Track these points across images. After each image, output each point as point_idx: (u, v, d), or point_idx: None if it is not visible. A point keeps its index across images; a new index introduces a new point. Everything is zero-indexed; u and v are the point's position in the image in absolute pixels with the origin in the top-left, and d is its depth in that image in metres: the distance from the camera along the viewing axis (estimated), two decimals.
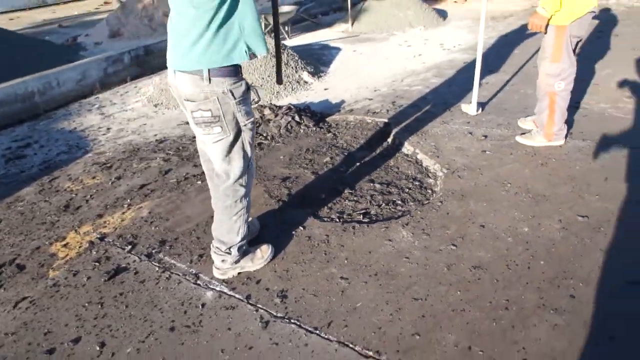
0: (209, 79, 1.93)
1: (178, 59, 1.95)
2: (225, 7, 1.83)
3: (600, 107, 4.16)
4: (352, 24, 8.13)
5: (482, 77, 4.86)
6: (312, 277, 2.37)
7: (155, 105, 5.23)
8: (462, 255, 2.44)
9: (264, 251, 2.47)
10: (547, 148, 3.48)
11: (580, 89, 4.47)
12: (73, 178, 3.66)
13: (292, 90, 5.31)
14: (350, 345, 1.97)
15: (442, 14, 8.68)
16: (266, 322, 2.13)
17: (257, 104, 3.85)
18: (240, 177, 2.18)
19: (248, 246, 2.46)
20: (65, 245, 2.82)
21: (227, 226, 2.28)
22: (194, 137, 4.13)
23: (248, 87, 2.07)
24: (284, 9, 7.63)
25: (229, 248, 2.31)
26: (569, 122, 3.74)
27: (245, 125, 2.08)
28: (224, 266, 2.36)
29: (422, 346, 1.94)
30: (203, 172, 3.29)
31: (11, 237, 2.97)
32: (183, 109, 2.15)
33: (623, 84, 4.63)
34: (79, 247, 2.78)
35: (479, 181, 3.10)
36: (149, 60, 6.69)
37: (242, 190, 2.22)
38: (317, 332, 2.05)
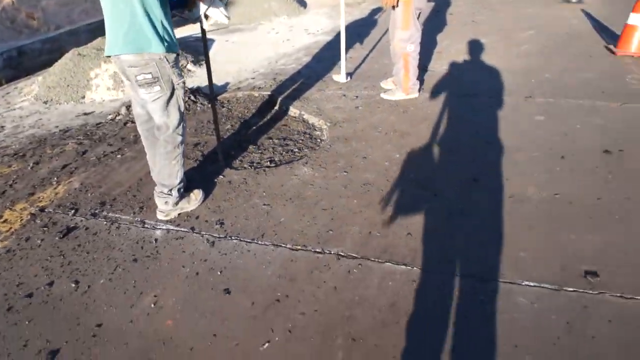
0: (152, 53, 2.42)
1: (118, 39, 2.41)
2: None
3: (442, 68, 5.20)
4: (227, 11, 8.58)
5: (346, 52, 5.68)
6: (240, 208, 2.94)
7: (45, 102, 5.30)
8: (352, 178, 3.18)
9: (197, 194, 2.99)
10: (406, 101, 4.38)
11: (427, 56, 5.51)
12: None
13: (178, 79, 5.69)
14: (282, 245, 2.60)
15: (302, 4, 9.48)
16: (212, 242, 2.67)
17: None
18: (177, 126, 2.68)
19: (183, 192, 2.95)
20: (5, 222, 3.05)
21: (168, 170, 2.76)
22: (98, 123, 4.43)
23: (178, 55, 2.58)
24: None
25: (170, 190, 2.80)
26: (421, 81, 4.69)
27: (178, 84, 2.59)
28: (166, 208, 2.84)
29: (336, 237, 2.64)
30: (119, 149, 3.69)
31: None
32: (124, 78, 2.59)
33: (458, 50, 5.76)
34: (20, 220, 3.04)
35: (357, 128, 3.88)
36: (23, 62, 6.59)
37: (179, 138, 2.72)
38: (255, 241, 2.65)
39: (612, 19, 6.73)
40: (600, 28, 6.53)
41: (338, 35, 6.71)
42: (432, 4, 8.41)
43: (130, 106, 4.71)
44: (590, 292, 2.15)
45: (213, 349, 2.00)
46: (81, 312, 2.25)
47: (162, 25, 2.41)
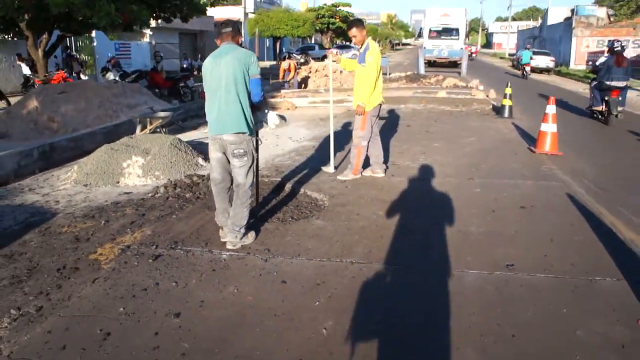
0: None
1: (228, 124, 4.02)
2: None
3: (405, 163, 7.03)
4: None
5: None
6: (279, 242, 4.39)
7: (85, 185, 6.65)
8: (352, 225, 4.72)
9: (252, 234, 4.44)
10: (382, 181, 6.07)
11: (394, 154, 7.38)
12: (65, 225, 5.06)
13: (194, 170, 7.23)
14: (314, 259, 4.03)
15: (283, 118, 11.50)
16: (265, 259, 4.08)
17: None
18: (251, 185, 4.21)
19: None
20: (101, 254, 4.34)
21: (241, 214, 4.23)
22: (142, 198, 5.82)
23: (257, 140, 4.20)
24: (160, 114, 9.60)
25: (240, 228, 4.26)
26: (390, 171, 6.44)
27: (255, 157, 4.17)
28: (235, 240, 4.27)
29: (347, 254, 4.10)
30: (172, 212, 5.11)
31: (46, 258, 4.32)
32: (218, 152, 4.15)
33: (417, 151, 7.66)
34: (114, 253, 4.34)
35: (349, 198, 5.50)
36: (53, 156, 7.99)
37: (250, 193, 4.25)
38: (294, 258, 4.07)
39: (534, 128, 8.92)
40: (525, 135, 8.71)
41: (318, 141, 8.57)
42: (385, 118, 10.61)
43: (167, 185, 6.15)
44: (509, 273, 3.69)
45: (284, 307, 3.36)
46: (186, 297, 3.56)
47: (251, 117, 4.06)
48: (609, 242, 4.35)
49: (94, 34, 17.48)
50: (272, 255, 4.15)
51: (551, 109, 7.77)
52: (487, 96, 14.50)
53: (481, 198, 5.48)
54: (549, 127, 7.67)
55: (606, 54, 11.71)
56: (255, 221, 4.88)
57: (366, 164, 6.40)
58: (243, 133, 4.10)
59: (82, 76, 17.31)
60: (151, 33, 19.72)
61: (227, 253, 4.22)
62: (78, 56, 19.28)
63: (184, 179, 6.39)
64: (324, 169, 6.81)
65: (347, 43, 41.90)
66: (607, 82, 10.40)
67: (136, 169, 6.90)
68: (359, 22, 6.25)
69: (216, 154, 4.28)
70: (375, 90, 5.97)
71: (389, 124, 10.44)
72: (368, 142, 6.13)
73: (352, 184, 6.11)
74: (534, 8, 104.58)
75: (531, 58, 28.24)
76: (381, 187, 5.94)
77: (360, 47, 6.09)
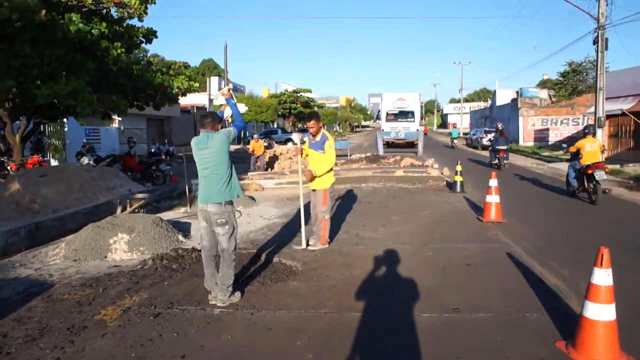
0: (226, 205, 4.94)
1: (211, 195, 4.92)
2: (228, 172, 4.97)
3: (367, 234, 7.99)
4: (190, 206, 11.22)
5: (299, 228, 8.36)
6: (262, 300, 5.17)
7: (75, 260, 7.28)
8: (323, 285, 5.56)
9: (238, 294, 5.23)
10: (349, 248, 6.97)
11: (358, 227, 8.32)
12: (65, 293, 5.69)
13: (176, 245, 7.98)
14: (293, 312, 4.83)
15: (253, 199, 12.43)
16: (251, 313, 4.85)
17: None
18: (234, 250, 5.06)
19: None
20: (105, 315, 5.01)
21: (228, 275, 5.04)
22: (132, 270, 6.51)
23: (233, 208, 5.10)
24: (139, 195, 10.40)
25: (228, 287, 5.05)
26: (354, 241, 7.37)
27: (235, 225, 5.05)
28: (224, 298, 5.04)
29: (321, 306, 4.92)
30: (162, 280, 5.85)
31: (53, 320, 4.96)
32: (204, 222, 5.02)
33: (378, 223, 8.66)
34: (117, 314, 5.01)
35: (319, 264, 6.39)
36: (38, 234, 8.60)
37: (234, 256, 5.08)
38: (278, 310, 4.86)
39: (483, 201, 10.12)
40: (475, 207, 9.90)
41: (287, 218, 9.50)
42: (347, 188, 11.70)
43: (154, 258, 6.88)
44: (454, 314, 4.58)
45: (271, 347, 4.13)
46: (188, 343, 4.27)
47: (234, 185, 4.99)
48: (537, 288, 5.35)
49: (65, 119, 18.34)
50: (257, 310, 4.93)
51: (493, 182, 9.01)
52: (442, 173, 15.90)
53: (434, 259, 6.45)
54: (493, 198, 8.87)
55: (495, 132, 22.34)
56: (239, 285, 5.66)
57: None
58: (224, 203, 5.01)
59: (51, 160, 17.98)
60: (120, 119, 20.75)
61: (218, 310, 4.98)
62: (47, 141, 20.06)
63: (169, 252, 7.14)
64: (295, 246, 7.57)
65: (321, 125, 44.02)
66: (496, 147, 20.18)
67: (122, 244, 7.60)
68: (317, 116, 7.51)
69: (203, 223, 5.17)
70: (331, 172, 7.24)
71: (352, 201, 11.53)
72: (329, 215, 7.12)
73: (321, 252, 7.00)
74: (484, 90, 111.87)
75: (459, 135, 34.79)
76: (347, 254, 6.84)
77: (316, 136, 7.22)
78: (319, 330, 4.43)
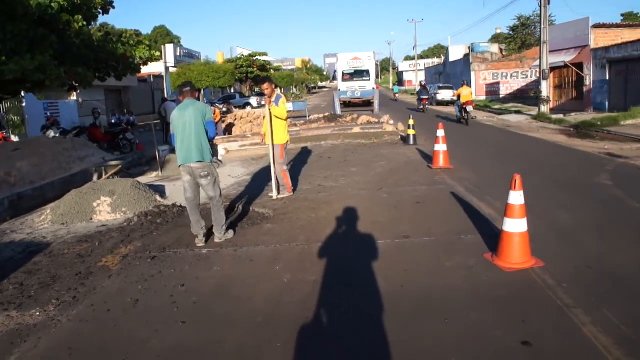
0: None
1: (193, 154, 5.73)
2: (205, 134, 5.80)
3: (329, 184, 8.93)
4: (161, 171, 11.88)
5: (265, 183, 9.19)
6: (245, 238, 6.06)
7: (63, 224, 7.95)
8: (294, 225, 6.49)
9: (231, 231, 6.14)
10: (313, 195, 7.90)
11: (320, 179, 9.26)
12: (64, 249, 6.42)
13: (155, 204, 8.72)
14: (271, 245, 5.74)
15: (220, 161, 13.16)
16: (234, 250, 5.73)
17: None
18: (220, 195, 5.91)
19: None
20: (107, 262, 5.80)
21: (220, 217, 5.93)
22: (119, 227, 7.26)
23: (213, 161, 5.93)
24: (113, 163, 10.99)
25: (222, 226, 5.94)
26: (318, 190, 8.29)
27: (216, 175, 5.89)
28: (220, 235, 5.96)
29: (293, 240, 5.86)
30: (151, 232, 6.66)
31: (61, 270, 5.71)
32: (188, 176, 5.83)
33: (338, 175, 9.61)
34: (117, 260, 5.81)
35: (288, 209, 7.30)
36: (20, 204, 9.17)
37: (221, 201, 5.95)
38: (258, 245, 5.76)
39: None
40: (426, 157, 10.98)
41: (255, 176, 10.33)
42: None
43: (139, 215, 7.63)
44: (404, 239, 5.60)
45: (255, 272, 5.04)
46: (184, 276, 5.14)
47: (209, 147, 5.80)
48: (474, 217, 6.44)
49: (22, 94, 18.37)
50: (239, 247, 5.83)
51: (440, 132, 10.05)
52: (397, 129, 16.93)
53: (387, 200, 7.46)
54: (441, 147, 9.92)
55: (420, 87, 32.95)
56: (230, 225, 6.52)
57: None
58: (204, 161, 5.84)
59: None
60: (78, 91, 20.78)
61: (206, 250, 5.85)
62: (5, 117, 20.00)
63: (152, 209, 7.90)
64: (270, 195, 8.50)
65: (274, 87, 44.37)
66: (421, 96, 30.47)
67: (105, 207, 8.30)
68: (269, 79, 8.31)
69: (187, 177, 5.97)
70: (285, 129, 8.14)
71: (314, 157, 12.43)
72: (287, 166, 8.05)
73: (288, 200, 7.91)
74: (439, 46, 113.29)
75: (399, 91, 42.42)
76: (312, 200, 7.77)
77: (272, 97, 8.04)
78: (292, 259, 5.37)
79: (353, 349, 3.54)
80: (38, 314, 4.56)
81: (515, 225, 4.79)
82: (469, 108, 19.85)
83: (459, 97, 20.53)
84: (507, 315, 3.83)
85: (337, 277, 4.82)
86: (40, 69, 10.33)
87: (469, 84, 24.80)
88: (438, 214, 6.69)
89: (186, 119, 5.95)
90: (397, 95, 52.19)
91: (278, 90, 8.21)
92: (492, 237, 5.54)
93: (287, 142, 8.33)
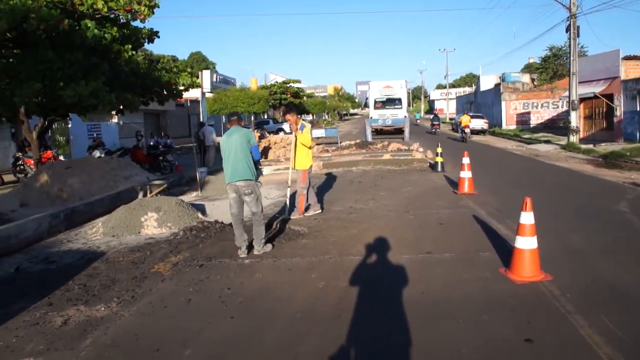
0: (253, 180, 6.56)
1: (239, 173, 6.52)
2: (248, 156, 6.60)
3: (359, 206, 9.61)
4: (201, 191, 12.75)
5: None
6: (283, 251, 6.76)
7: (113, 236, 8.79)
8: (327, 240, 7.16)
9: (269, 245, 6.86)
10: (345, 216, 8.58)
11: (352, 201, 9.93)
12: (119, 257, 7.22)
13: (197, 221, 9.52)
14: (309, 257, 6.43)
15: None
16: (274, 261, 6.44)
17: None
18: (262, 212, 6.67)
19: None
20: (158, 269, 6.56)
21: (260, 231, 6.67)
22: (166, 240, 8.05)
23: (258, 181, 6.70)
24: (157, 182, 11.89)
25: (261, 239, 6.67)
26: (348, 212, 8.98)
27: (260, 194, 6.66)
28: (259, 248, 6.68)
29: (329, 252, 6.54)
30: (196, 244, 7.45)
31: (118, 274, 6.48)
32: (234, 193, 6.62)
33: (368, 198, 10.29)
34: (168, 267, 6.57)
35: (322, 227, 7.98)
36: (73, 218, 10.09)
37: (262, 217, 6.71)
38: (297, 257, 6.46)
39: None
40: (452, 183, 11.57)
41: (287, 198, 11.05)
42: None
43: (185, 230, 8.42)
44: (427, 255, 6.22)
45: (293, 279, 5.72)
46: (230, 281, 5.85)
47: (254, 167, 6.57)
48: (492, 237, 7.03)
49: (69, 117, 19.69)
50: (278, 258, 6.53)
51: (466, 160, 10.67)
52: (425, 156, 17.56)
53: (413, 221, 8.09)
54: (466, 174, 10.53)
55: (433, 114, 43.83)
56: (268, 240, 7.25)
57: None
58: (249, 180, 6.62)
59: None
60: (120, 115, 22.11)
61: (248, 260, 6.57)
62: (51, 137, 21.42)
63: (197, 224, 8.70)
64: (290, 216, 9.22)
65: (298, 116, 45.61)
66: (433, 122, 39.32)
67: (152, 221, 9.12)
68: (293, 109, 9.33)
69: (232, 194, 6.74)
70: (309, 156, 9.03)
71: (345, 182, 13.17)
72: (307, 192, 8.92)
73: (322, 219, 8.61)
74: (470, 75, 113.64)
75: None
76: (343, 220, 8.46)
77: (297, 125, 8.98)
78: (327, 269, 6.04)
79: (379, 341, 4.18)
80: (103, 309, 5.30)
81: (526, 243, 5.38)
82: (467, 130, 29.32)
83: (460, 122, 30.55)
84: (514, 318, 4.43)
85: (366, 285, 5.46)
86: (93, 94, 11.36)
87: (467, 112, 34.62)
88: (459, 234, 7.29)
89: (233, 143, 6.77)
90: (418, 121, 68.69)
91: (302, 120, 9.07)
92: (508, 254, 6.09)
93: (310, 167, 9.12)
